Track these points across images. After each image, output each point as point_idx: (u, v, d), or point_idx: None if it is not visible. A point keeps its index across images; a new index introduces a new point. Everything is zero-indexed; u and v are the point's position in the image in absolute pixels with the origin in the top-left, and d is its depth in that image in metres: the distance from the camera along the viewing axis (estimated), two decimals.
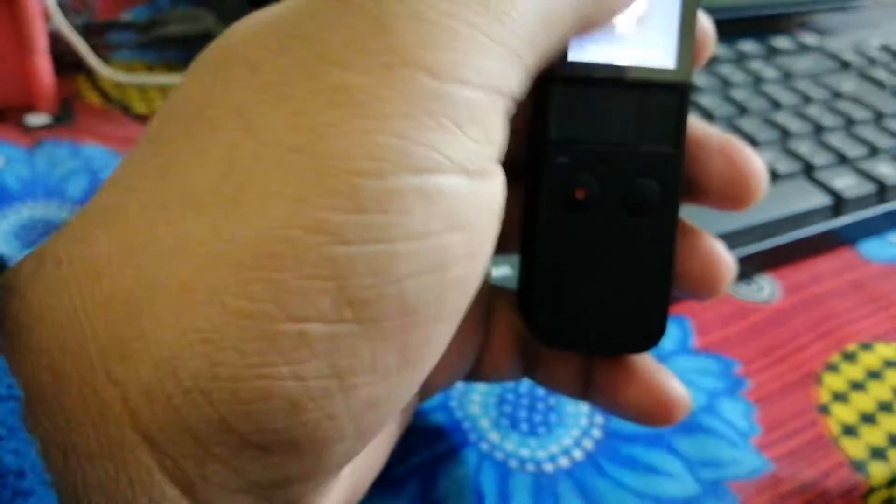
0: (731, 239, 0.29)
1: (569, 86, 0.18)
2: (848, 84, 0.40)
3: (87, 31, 0.40)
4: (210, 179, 0.13)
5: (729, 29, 0.43)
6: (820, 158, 0.34)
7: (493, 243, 0.15)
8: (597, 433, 0.24)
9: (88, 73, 0.39)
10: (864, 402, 0.26)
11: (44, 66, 0.35)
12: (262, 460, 0.13)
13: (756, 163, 0.19)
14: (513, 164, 0.21)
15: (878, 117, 0.37)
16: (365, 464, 0.19)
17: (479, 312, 0.21)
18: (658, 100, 0.18)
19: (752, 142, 0.34)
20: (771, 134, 0.35)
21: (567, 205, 0.19)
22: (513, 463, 0.23)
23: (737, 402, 0.26)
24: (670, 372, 0.20)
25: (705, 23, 0.19)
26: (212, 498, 0.13)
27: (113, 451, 0.12)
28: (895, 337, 0.28)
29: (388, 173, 0.13)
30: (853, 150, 0.34)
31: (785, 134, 0.35)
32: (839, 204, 0.32)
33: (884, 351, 0.28)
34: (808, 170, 0.33)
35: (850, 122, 0.37)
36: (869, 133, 0.36)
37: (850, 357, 0.28)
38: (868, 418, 0.25)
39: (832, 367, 0.27)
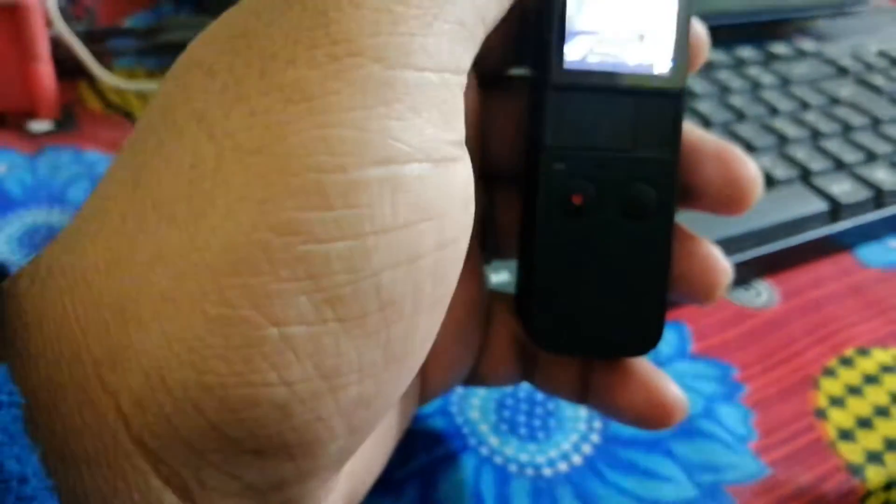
0: (729, 244, 0.29)
1: (564, 92, 0.18)
2: (845, 90, 0.40)
3: (89, 38, 0.40)
4: (179, 187, 0.13)
5: (727, 35, 0.43)
6: (817, 164, 0.34)
7: (468, 230, 0.15)
8: (595, 438, 0.24)
9: (90, 79, 0.39)
10: (862, 406, 0.26)
11: (46, 72, 0.35)
12: (257, 464, 0.13)
13: (751, 167, 0.19)
14: (510, 170, 0.21)
15: (876, 123, 0.37)
16: (364, 467, 0.19)
17: (477, 317, 0.21)
18: (653, 105, 0.19)
19: (750, 147, 0.35)
20: (768, 140, 0.35)
21: (564, 210, 0.19)
22: (512, 467, 0.23)
23: (734, 406, 0.26)
24: (667, 376, 0.21)
25: (699, 29, 0.19)
26: (209, 502, 0.13)
27: (109, 457, 0.13)
28: (892, 342, 0.29)
29: (350, 167, 0.13)
30: (850, 156, 0.34)
31: (782, 140, 0.35)
32: (836, 209, 0.32)
33: (881, 356, 0.28)
34: (806, 175, 0.33)
35: (847, 128, 0.37)
36: (866, 139, 0.36)
37: (847, 362, 0.28)
38: (865, 423, 0.25)
39: (829, 372, 0.27)
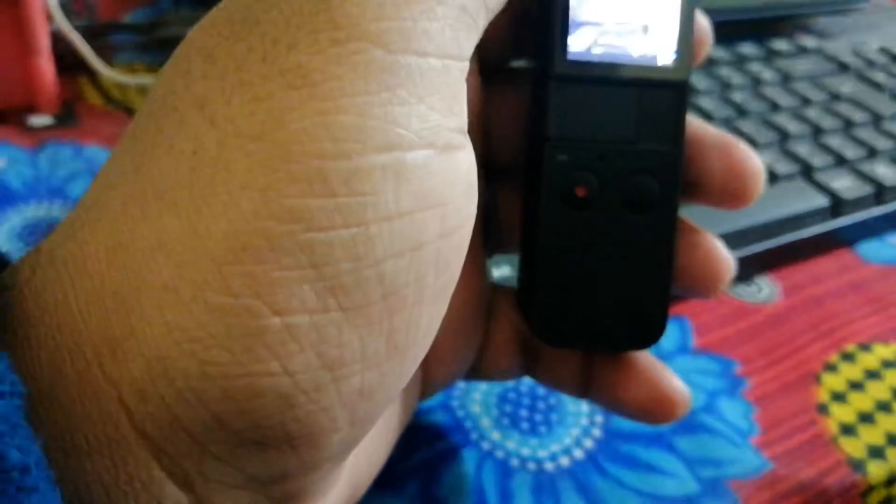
0: (731, 240, 0.29)
1: (568, 83, 0.18)
2: (847, 86, 0.40)
3: (89, 33, 0.40)
4: (181, 175, 0.13)
5: (728, 31, 0.43)
6: (819, 160, 0.34)
7: (471, 219, 0.15)
8: (597, 432, 0.24)
9: (90, 74, 0.39)
10: (863, 401, 0.26)
11: (46, 67, 0.35)
12: (260, 455, 0.13)
13: (754, 161, 0.19)
14: (513, 163, 0.21)
15: (877, 119, 0.37)
16: (366, 461, 0.19)
17: (479, 311, 0.21)
18: (657, 98, 0.19)
19: (752, 143, 0.35)
20: (770, 135, 0.35)
21: (567, 202, 0.19)
22: (514, 462, 0.23)
23: (736, 401, 0.26)
24: (670, 369, 0.20)
25: (703, 22, 0.19)
26: (211, 494, 0.13)
27: (111, 448, 0.12)
28: (894, 337, 0.28)
29: (353, 153, 0.12)
30: (852, 152, 0.34)
31: (784, 135, 0.35)
32: (838, 205, 0.32)
33: (882, 351, 0.28)
34: (807, 171, 0.33)
35: (848, 124, 0.37)
36: (867, 135, 0.36)
37: (848, 357, 0.28)
38: (866, 418, 0.25)
39: (831, 368, 0.27)
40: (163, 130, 0.13)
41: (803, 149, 0.34)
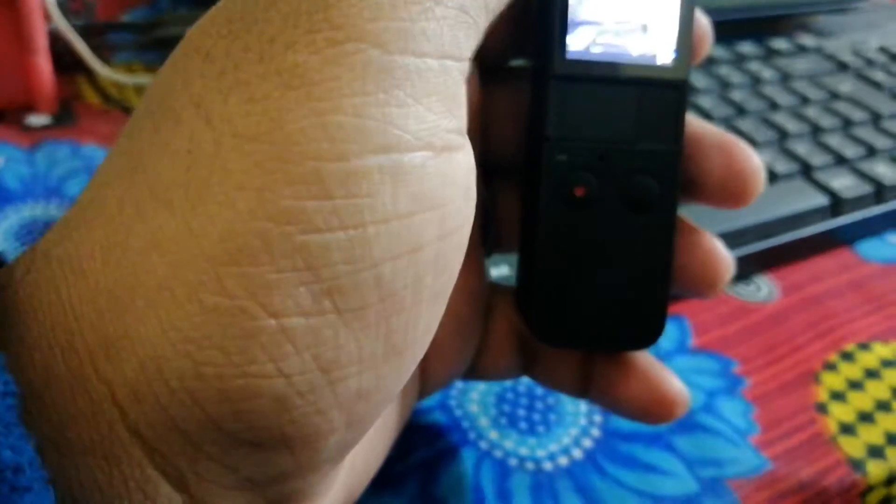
0: (730, 239, 0.29)
1: (567, 83, 0.18)
2: (846, 85, 0.40)
3: (87, 32, 0.40)
4: (177, 174, 0.13)
5: (727, 30, 0.43)
6: (818, 159, 0.34)
7: (469, 220, 0.15)
8: (596, 432, 0.24)
9: (88, 73, 0.39)
10: (862, 400, 0.26)
11: (44, 66, 0.35)
12: (255, 457, 0.13)
13: (754, 160, 0.19)
14: (512, 162, 0.21)
15: (876, 118, 0.37)
16: (363, 461, 0.19)
17: (477, 310, 0.21)
18: (656, 97, 0.18)
19: (751, 142, 0.35)
20: (769, 134, 0.35)
21: (566, 202, 0.19)
22: (512, 461, 0.23)
23: (735, 400, 0.26)
24: (669, 369, 0.20)
25: (703, 21, 0.19)
26: (206, 494, 0.13)
27: (105, 447, 0.12)
28: (893, 336, 0.28)
29: (350, 155, 0.12)
30: (851, 151, 0.34)
31: (783, 134, 0.35)
32: (837, 204, 0.32)
33: (881, 350, 0.28)
34: (807, 170, 0.33)
35: (847, 123, 0.37)
36: (867, 134, 0.36)
37: (848, 356, 0.28)
38: (866, 417, 0.25)
39: (830, 367, 0.27)
40: (159, 129, 0.13)
41: (803, 148, 0.34)
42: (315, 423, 0.13)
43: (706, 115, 0.36)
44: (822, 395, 0.26)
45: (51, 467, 0.12)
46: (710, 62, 0.40)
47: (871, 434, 0.25)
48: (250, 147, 0.12)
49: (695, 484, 0.23)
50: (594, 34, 0.18)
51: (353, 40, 0.13)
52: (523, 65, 0.21)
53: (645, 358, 0.20)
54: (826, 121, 0.36)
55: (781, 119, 0.36)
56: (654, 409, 0.20)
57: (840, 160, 0.34)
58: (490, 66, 0.20)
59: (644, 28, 0.18)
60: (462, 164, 0.14)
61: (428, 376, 0.21)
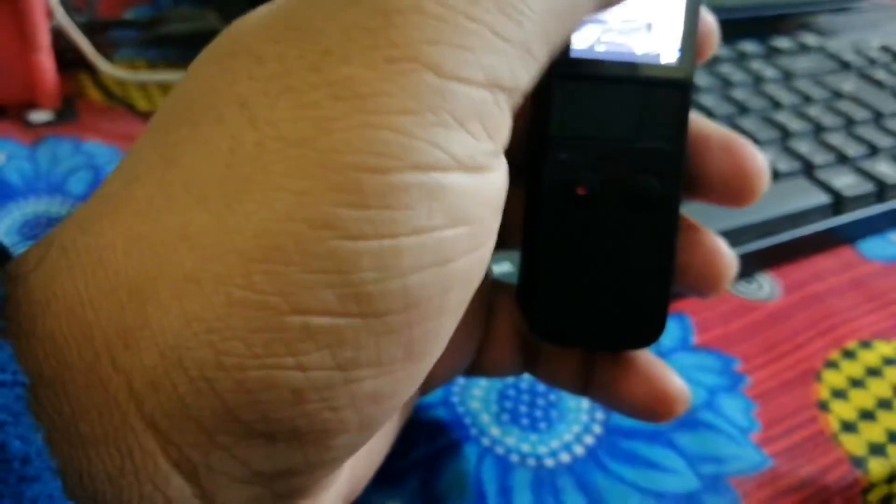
0: (732, 237, 0.29)
1: (571, 82, 0.18)
2: (848, 84, 0.40)
3: (90, 29, 0.40)
4: (215, 171, 0.13)
5: (730, 29, 0.43)
6: (820, 158, 0.34)
7: (494, 236, 0.15)
8: (597, 429, 0.24)
9: (91, 70, 0.39)
10: (864, 398, 0.26)
11: (46, 63, 0.35)
12: (266, 449, 0.13)
13: (758, 159, 0.19)
14: (514, 161, 0.21)
15: (878, 117, 0.37)
16: (366, 457, 0.19)
17: (479, 308, 0.21)
18: (660, 96, 0.18)
19: (753, 141, 0.34)
20: (771, 133, 0.35)
21: (568, 201, 0.19)
22: (514, 458, 0.23)
23: (737, 398, 0.26)
24: (670, 367, 0.20)
25: (709, 20, 0.19)
26: (216, 486, 0.13)
27: (118, 438, 0.13)
28: (894, 334, 0.28)
29: (391, 169, 0.13)
30: (853, 150, 0.34)
31: (785, 133, 0.35)
32: (839, 203, 0.32)
33: (883, 348, 0.28)
34: (809, 169, 0.33)
35: (849, 122, 0.37)
36: (869, 133, 0.36)
37: (849, 354, 0.28)
38: (867, 415, 0.25)
39: (832, 365, 0.27)
40: (198, 125, 0.14)
41: (804, 146, 0.34)
42: (328, 420, 0.13)
43: (708, 114, 0.36)
44: (823, 392, 0.26)
45: (60, 458, 0.12)
46: (713, 61, 0.41)
47: (873, 432, 0.25)
48: (293, 152, 0.13)
49: (696, 481, 0.23)
50: (598, 33, 0.18)
51: (409, 60, 0.13)
52: None
53: (646, 356, 0.20)
54: (828, 119, 0.36)
55: (783, 118, 0.36)
56: (654, 407, 0.20)
57: (842, 159, 0.34)
58: None
59: (649, 27, 0.18)
60: (496, 184, 0.15)
61: (430, 373, 0.21)
